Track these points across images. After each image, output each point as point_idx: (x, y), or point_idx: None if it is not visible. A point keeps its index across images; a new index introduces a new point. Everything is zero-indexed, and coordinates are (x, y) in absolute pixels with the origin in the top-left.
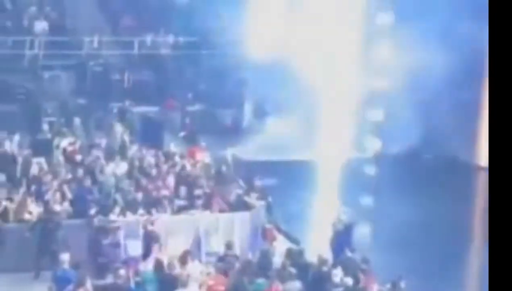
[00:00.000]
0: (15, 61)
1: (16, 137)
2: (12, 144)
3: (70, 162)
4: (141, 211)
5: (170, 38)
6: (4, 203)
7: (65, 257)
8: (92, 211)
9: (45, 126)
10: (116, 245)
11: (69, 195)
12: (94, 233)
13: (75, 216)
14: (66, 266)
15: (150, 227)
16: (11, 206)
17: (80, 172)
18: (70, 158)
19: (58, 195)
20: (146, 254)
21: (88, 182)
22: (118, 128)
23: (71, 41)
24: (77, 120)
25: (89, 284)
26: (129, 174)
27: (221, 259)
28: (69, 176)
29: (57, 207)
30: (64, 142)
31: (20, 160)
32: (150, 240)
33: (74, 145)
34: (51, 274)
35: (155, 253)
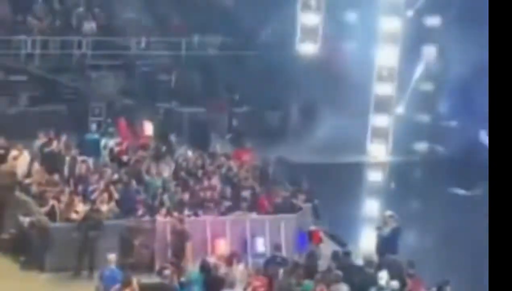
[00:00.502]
0: (64, 61)
1: (64, 137)
2: (60, 144)
3: (117, 162)
4: (187, 211)
5: (218, 39)
6: (52, 202)
7: (112, 256)
8: (139, 212)
9: (93, 126)
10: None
11: (115, 195)
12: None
13: (122, 216)
14: (113, 265)
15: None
16: (59, 206)
17: (127, 172)
18: (117, 158)
19: (105, 195)
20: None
21: (134, 183)
22: (165, 129)
23: (119, 42)
24: (124, 121)
25: (135, 283)
26: (176, 175)
27: (268, 260)
28: (116, 176)
29: (103, 207)
30: (111, 143)
31: (67, 159)
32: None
33: (121, 145)
34: (98, 273)
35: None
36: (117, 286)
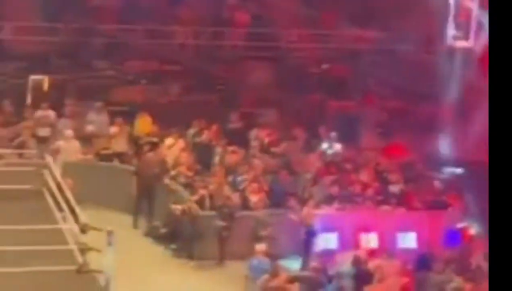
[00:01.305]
0: (216, 51)
1: (214, 127)
2: (211, 134)
3: (267, 153)
4: (336, 205)
5: (370, 33)
6: (201, 191)
7: (261, 247)
8: (290, 203)
9: (243, 117)
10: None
11: (265, 186)
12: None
13: (271, 207)
14: (261, 256)
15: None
16: (208, 195)
17: (277, 163)
18: (267, 149)
19: (254, 185)
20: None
21: (284, 174)
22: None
23: (270, 33)
24: (274, 112)
25: (283, 274)
26: (325, 168)
27: (417, 257)
28: (266, 167)
29: (254, 198)
30: (262, 134)
31: (218, 150)
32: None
33: (272, 136)
34: (248, 263)
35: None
36: (266, 276)
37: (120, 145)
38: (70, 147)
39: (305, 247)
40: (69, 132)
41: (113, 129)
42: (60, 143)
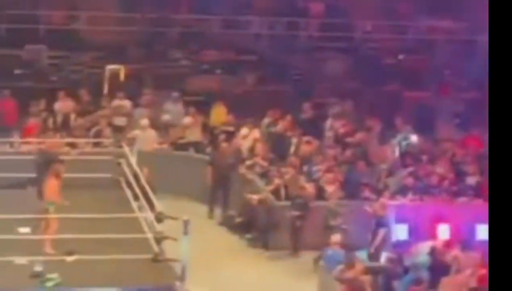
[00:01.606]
0: (291, 42)
1: (289, 117)
2: (285, 124)
3: (341, 143)
4: (410, 196)
5: (446, 23)
6: (276, 181)
7: (336, 237)
8: (364, 194)
9: (318, 107)
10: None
11: (340, 177)
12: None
13: (346, 197)
14: (336, 246)
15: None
16: (283, 185)
17: (352, 154)
18: (342, 140)
19: (329, 176)
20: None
21: (361, 165)
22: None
23: (345, 24)
24: (349, 103)
25: (359, 265)
26: (400, 159)
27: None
28: (341, 158)
29: (329, 188)
30: (337, 124)
31: (294, 140)
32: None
33: (346, 127)
34: (323, 253)
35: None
36: (341, 267)
37: (195, 135)
38: (146, 136)
39: (374, 238)
40: (145, 121)
41: (188, 119)
42: (136, 132)
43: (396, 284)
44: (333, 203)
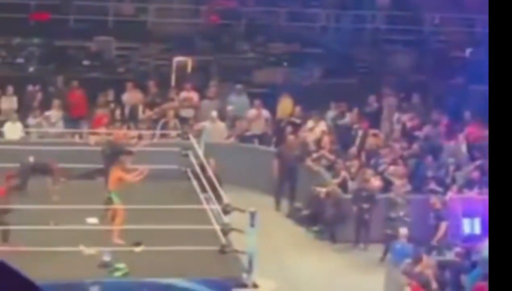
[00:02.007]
0: (357, 35)
1: (356, 110)
2: (352, 117)
3: (409, 137)
4: (476, 190)
5: None
6: (343, 173)
7: (403, 231)
8: (431, 187)
9: (382, 100)
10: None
11: (405, 170)
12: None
13: (412, 191)
14: (404, 239)
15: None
16: (350, 177)
17: (419, 148)
18: (409, 133)
19: (396, 169)
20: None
21: (428, 159)
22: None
23: (412, 16)
24: (416, 96)
25: (426, 260)
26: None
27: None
28: (407, 151)
29: (396, 182)
30: (404, 117)
31: (360, 132)
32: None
33: (413, 121)
34: (390, 245)
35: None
36: (408, 261)
37: (260, 127)
38: (215, 128)
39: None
40: (214, 113)
41: (252, 112)
42: (206, 124)
43: (463, 278)
44: (402, 196)
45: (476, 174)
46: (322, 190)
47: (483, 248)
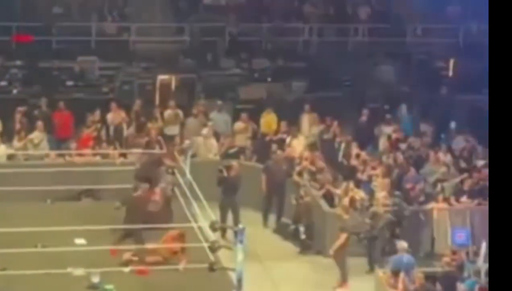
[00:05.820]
0: (340, 48)
1: (337, 123)
2: (335, 130)
3: (393, 149)
4: (464, 199)
5: None
6: (327, 186)
7: (402, 244)
8: (420, 199)
9: (370, 113)
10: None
11: (389, 182)
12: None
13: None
14: (405, 253)
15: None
16: (335, 191)
17: (404, 159)
18: (394, 145)
19: (381, 181)
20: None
21: (413, 170)
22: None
23: (394, 29)
24: (402, 108)
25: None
26: (454, 163)
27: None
28: (393, 163)
29: (380, 194)
30: (388, 129)
31: (342, 145)
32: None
33: (398, 133)
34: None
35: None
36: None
37: (242, 141)
38: (207, 145)
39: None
40: (205, 130)
41: (239, 125)
42: (199, 140)
43: (460, 287)
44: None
45: (464, 184)
46: (306, 201)
47: (476, 258)
